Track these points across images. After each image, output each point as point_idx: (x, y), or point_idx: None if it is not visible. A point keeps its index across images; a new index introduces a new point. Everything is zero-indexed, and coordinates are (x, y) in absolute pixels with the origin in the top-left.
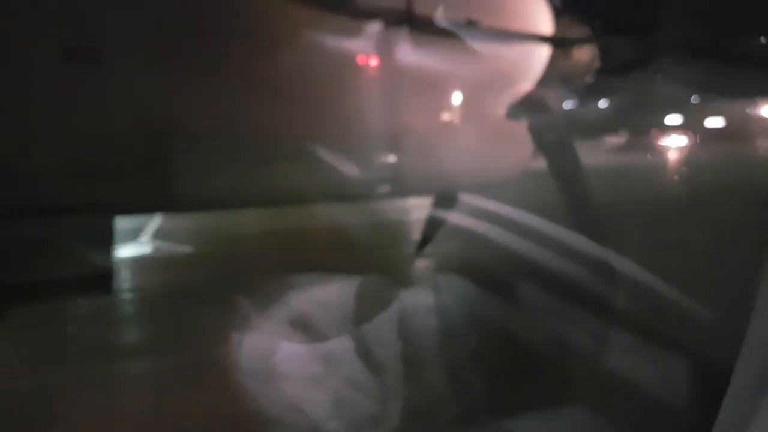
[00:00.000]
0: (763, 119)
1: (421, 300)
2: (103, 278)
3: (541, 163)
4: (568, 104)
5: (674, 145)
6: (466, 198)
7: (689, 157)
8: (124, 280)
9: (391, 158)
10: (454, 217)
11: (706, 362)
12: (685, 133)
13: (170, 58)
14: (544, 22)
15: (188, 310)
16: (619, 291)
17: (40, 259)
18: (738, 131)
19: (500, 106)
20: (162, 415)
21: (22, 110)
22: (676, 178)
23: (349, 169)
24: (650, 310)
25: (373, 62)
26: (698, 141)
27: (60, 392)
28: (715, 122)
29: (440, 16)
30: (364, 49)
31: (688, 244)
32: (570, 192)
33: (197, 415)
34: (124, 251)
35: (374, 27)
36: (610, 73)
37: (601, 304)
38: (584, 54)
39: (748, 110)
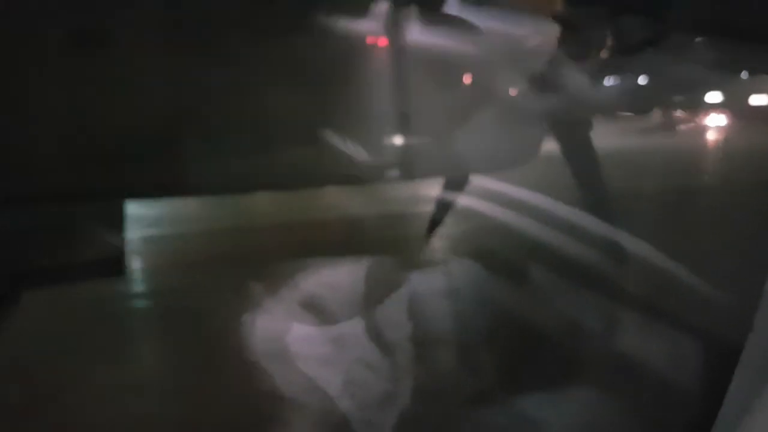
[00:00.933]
0: None
1: (432, 282)
2: (115, 262)
3: (553, 145)
4: (579, 84)
5: (713, 124)
6: (476, 180)
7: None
8: (135, 263)
9: (401, 141)
10: (464, 200)
11: (715, 343)
12: (725, 112)
13: (180, 40)
14: (555, 1)
15: (199, 292)
16: (629, 272)
17: (52, 244)
18: None
19: (511, 87)
20: (173, 395)
21: (31, 95)
22: (709, 159)
23: (358, 152)
24: (660, 291)
25: (382, 43)
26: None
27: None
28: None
29: None
30: (372, 30)
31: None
32: (582, 173)
33: (210, 395)
34: (135, 234)
35: (382, 7)
36: (622, 52)
37: (612, 286)
38: (595, 33)
39: None
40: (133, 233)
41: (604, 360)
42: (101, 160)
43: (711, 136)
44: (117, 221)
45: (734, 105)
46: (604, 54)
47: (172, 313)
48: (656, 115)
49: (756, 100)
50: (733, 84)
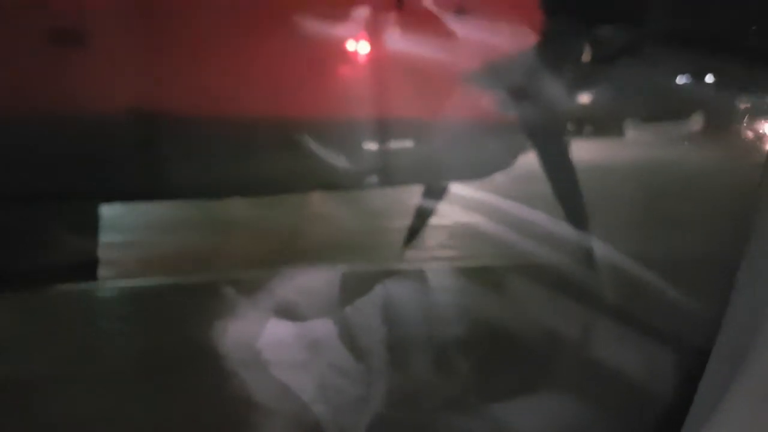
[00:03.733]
0: None
1: (407, 288)
2: (87, 266)
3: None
4: (556, 94)
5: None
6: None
7: None
8: (107, 268)
9: (380, 147)
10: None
11: (685, 347)
12: None
13: (158, 40)
14: (534, 11)
15: (173, 297)
16: (602, 279)
17: (23, 246)
18: None
19: (489, 95)
20: (147, 402)
21: (5, 94)
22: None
23: (337, 158)
24: (632, 298)
25: (362, 48)
26: None
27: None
28: None
29: (430, 2)
30: (352, 35)
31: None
32: (559, 182)
33: (184, 400)
34: (109, 238)
35: (362, 12)
36: (599, 62)
37: (587, 294)
38: (573, 43)
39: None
40: (106, 238)
41: (577, 366)
42: (73, 160)
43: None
44: (91, 225)
45: None
46: (581, 65)
47: (144, 318)
48: (696, 121)
49: None
50: None
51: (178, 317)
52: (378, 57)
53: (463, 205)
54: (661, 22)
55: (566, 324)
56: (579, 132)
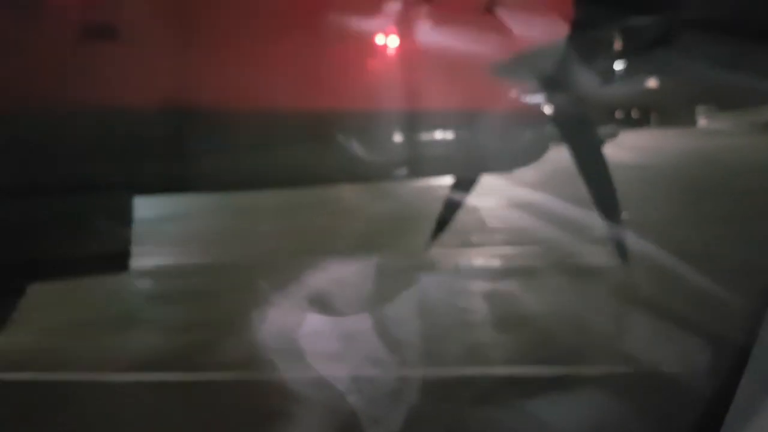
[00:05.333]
0: None
1: (439, 280)
2: (120, 257)
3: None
4: (588, 84)
5: None
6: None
7: None
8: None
9: (410, 139)
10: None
11: (725, 345)
12: None
13: (190, 34)
14: (565, 2)
15: (208, 288)
16: (636, 272)
17: (57, 237)
18: None
19: (521, 87)
20: (185, 388)
21: (41, 87)
22: None
23: (367, 150)
24: (670, 292)
25: (392, 42)
26: None
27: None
28: None
29: None
30: (382, 28)
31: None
32: (591, 174)
33: (222, 387)
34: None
35: (394, 5)
36: (634, 52)
37: (623, 288)
38: (604, 33)
39: None
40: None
41: (614, 361)
42: (107, 153)
43: None
44: (125, 216)
45: None
46: (615, 55)
47: (179, 309)
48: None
49: None
50: None
51: (212, 306)
52: (408, 49)
53: (494, 198)
54: (695, 11)
55: (602, 319)
56: (646, 121)
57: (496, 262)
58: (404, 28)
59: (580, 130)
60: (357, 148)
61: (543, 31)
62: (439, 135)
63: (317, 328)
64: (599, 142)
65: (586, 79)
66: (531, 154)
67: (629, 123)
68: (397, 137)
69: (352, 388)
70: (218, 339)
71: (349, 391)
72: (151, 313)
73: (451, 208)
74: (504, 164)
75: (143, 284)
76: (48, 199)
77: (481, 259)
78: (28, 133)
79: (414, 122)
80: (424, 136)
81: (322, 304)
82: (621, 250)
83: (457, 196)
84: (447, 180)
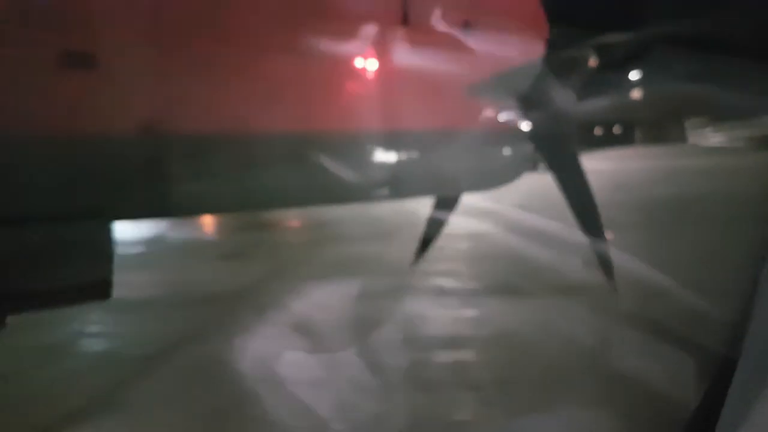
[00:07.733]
0: None
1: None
2: (101, 285)
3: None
4: (565, 101)
5: None
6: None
7: None
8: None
9: (390, 160)
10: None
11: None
12: None
13: (168, 61)
14: (540, 22)
15: (191, 313)
16: (618, 286)
17: (38, 266)
18: None
19: (497, 106)
20: (166, 416)
21: (19, 115)
22: None
23: (347, 171)
24: (653, 306)
25: (371, 64)
26: None
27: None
28: None
29: (436, 18)
30: (361, 52)
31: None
32: (571, 190)
33: (203, 416)
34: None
35: (370, 29)
36: (607, 68)
37: (607, 304)
38: (579, 52)
39: None
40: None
41: (600, 376)
42: (85, 180)
43: None
44: (105, 245)
45: None
46: (588, 72)
47: (162, 334)
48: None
49: None
50: None
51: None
52: (386, 72)
53: (476, 217)
54: (665, 27)
55: (588, 335)
56: (629, 138)
57: (478, 283)
58: (382, 50)
59: (559, 148)
60: (337, 169)
61: (519, 51)
62: (418, 155)
63: (299, 355)
64: (577, 158)
65: (562, 97)
66: (511, 172)
67: (611, 140)
68: (378, 158)
69: (337, 414)
70: None
71: (333, 419)
72: None
73: (434, 226)
74: (484, 183)
75: None
76: (27, 228)
77: (464, 279)
78: (6, 161)
79: (394, 143)
80: (404, 157)
81: (304, 330)
82: (606, 266)
83: (439, 214)
84: (429, 200)
